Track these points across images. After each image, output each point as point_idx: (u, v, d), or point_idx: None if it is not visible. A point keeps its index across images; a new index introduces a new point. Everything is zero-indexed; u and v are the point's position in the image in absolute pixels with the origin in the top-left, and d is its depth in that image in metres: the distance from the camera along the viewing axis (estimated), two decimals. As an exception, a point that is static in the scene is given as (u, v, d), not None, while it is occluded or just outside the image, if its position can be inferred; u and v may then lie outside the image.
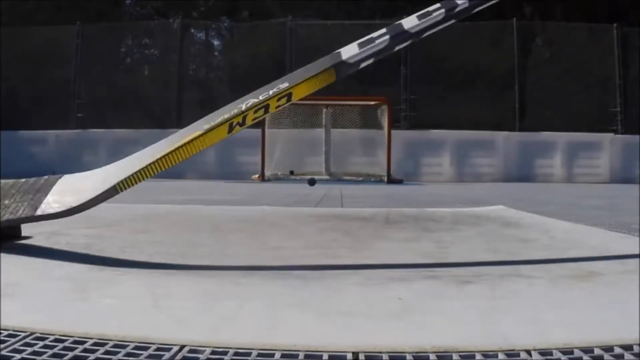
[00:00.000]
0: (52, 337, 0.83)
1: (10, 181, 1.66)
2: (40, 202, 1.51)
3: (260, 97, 1.52)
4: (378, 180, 10.13)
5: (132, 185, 1.50)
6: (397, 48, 1.68)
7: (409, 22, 1.68)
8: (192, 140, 1.53)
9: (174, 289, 1.17)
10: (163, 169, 1.52)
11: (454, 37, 11.92)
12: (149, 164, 1.51)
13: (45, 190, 1.55)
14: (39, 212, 1.50)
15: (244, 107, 1.49)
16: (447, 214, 3.08)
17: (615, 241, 2.00)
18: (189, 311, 1.00)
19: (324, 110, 10.84)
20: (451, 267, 1.44)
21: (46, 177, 1.64)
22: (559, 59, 12.45)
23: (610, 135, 11.93)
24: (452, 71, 12.15)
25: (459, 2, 1.69)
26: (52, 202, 1.50)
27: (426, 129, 11.79)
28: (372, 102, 10.95)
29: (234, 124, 1.48)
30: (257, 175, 10.22)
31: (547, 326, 0.91)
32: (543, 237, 2.14)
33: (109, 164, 1.69)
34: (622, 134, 11.99)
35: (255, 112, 1.50)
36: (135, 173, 1.50)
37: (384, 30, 1.66)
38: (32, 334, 0.85)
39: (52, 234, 1.94)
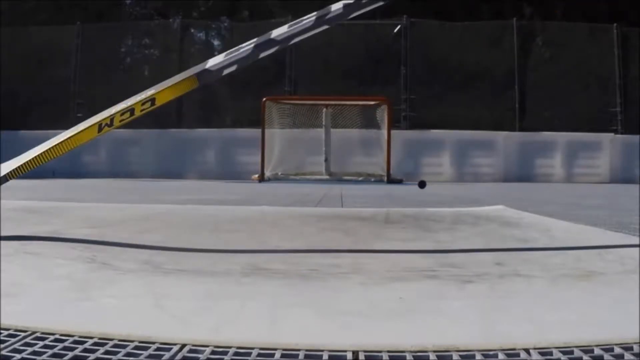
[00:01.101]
0: (52, 337, 0.83)
1: None
2: None
3: (128, 103, 1.77)
4: (378, 180, 10.13)
5: (16, 176, 1.80)
6: (262, 55, 1.84)
7: (277, 31, 1.84)
8: (68, 138, 1.80)
9: (174, 288, 1.18)
10: (41, 163, 1.83)
11: (454, 37, 11.93)
12: (30, 159, 1.81)
13: None
14: None
15: (113, 110, 1.78)
16: (447, 213, 3.08)
17: (615, 241, 2.00)
18: (190, 311, 1.00)
19: (324, 110, 10.84)
20: (451, 267, 1.44)
21: None
22: (559, 59, 12.45)
23: (610, 135, 11.93)
24: (452, 71, 12.14)
25: (332, 8, 1.77)
26: None
27: (426, 129, 11.79)
28: (372, 102, 10.95)
29: (103, 124, 1.78)
30: (257, 175, 10.22)
31: (547, 326, 0.91)
32: (543, 237, 2.14)
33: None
34: (622, 134, 11.98)
35: (122, 114, 1.77)
36: (18, 167, 1.80)
37: (253, 40, 1.83)
38: (32, 333, 0.85)
39: (53, 234, 1.94)
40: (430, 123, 11.77)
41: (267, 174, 10.30)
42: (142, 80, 13.90)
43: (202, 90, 13.30)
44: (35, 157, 1.81)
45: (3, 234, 1.84)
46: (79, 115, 12.52)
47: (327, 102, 10.70)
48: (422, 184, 7.02)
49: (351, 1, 1.77)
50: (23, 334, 0.85)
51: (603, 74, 12.25)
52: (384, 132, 10.52)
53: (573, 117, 11.76)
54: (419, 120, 12.00)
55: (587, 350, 0.80)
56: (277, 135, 10.80)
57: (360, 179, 10.38)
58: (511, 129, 12.06)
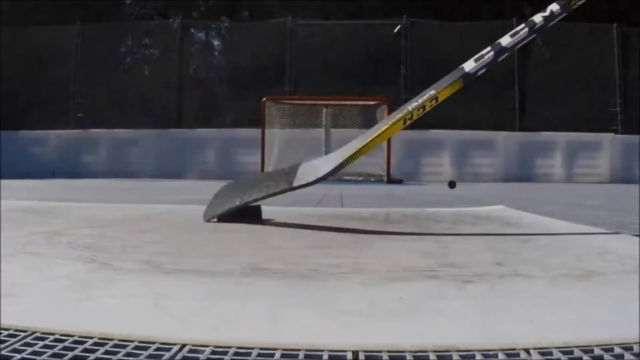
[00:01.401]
0: (52, 337, 0.83)
1: (267, 172, 2.22)
2: (293, 179, 2.31)
3: (419, 101, 2.26)
4: (378, 180, 10.13)
5: (351, 161, 2.31)
6: (499, 59, 2.25)
7: (505, 41, 2.27)
8: (383, 131, 2.24)
9: (175, 288, 1.18)
10: (366, 152, 2.28)
11: (454, 37, 11.93)
12: (358, 149, 2.27)
13: (294, 171, 2.35)
14: (295, 184, 2.28)
15: (410, 108, 2.25)
16: (447, 213, 3.08)
17: (615, 241, 2.00)
18: (190, 311, 1.00)
19: (324, 110, 10.85)
20: (451, 267, 1.44)
21: (288, 166, 2.43)
22: (559, 59, 12.46)
23: (610, 135, 11.93)
24: (452, 71, 12.14)
25: (536, 20, 2.30)
26: (299, 179, 2.29)
27: (426, 129, 11.79)
28: (372, 102, 10.95)
29: (406, 119, 2.24)
30: (257, 176, 10.22)
31: (547, 326, 0.91)
32: (543, 237, 2.14)
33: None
34: (622, 134, 11.99)
35: (418, 110, 2.26)
36: (353, 154, 2.28)
37: (489, 48, 2.26)
38: (32, 333, 0.85)
39: (53, 234, 1.95)
40: (430, 123, 11.76)
41: (267, 174, 10.29)
42: (142, 80, 13.91)
43: (202, 90, 13.32)
44: (359, 149, 2.27)
45: (3, 234, 1.84)
46: (79, 115, 12.53)
47: (327, 102, 10.70)
48: (452, 184, 6.92)
49: (547, 14, 2.30)
50: (23, 334, 0.84)
51: (603, 74, 12.25)
52: (384, 132, 10.51)
53: (573, 117, 11.76)
54: (418, 120, 11.98)
55: (587, 350, 0.80)
56: (277, 135, 10.80)
57: (360, 179, 10.39)
58: (511, 129, 12.07)
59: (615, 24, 12.19)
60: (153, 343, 0.81)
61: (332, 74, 12.23)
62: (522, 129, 12.11)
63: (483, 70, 2.25)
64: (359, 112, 11.03)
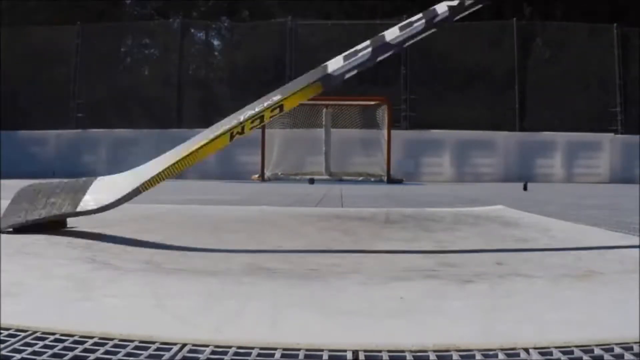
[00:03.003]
0: (52, 337, 0.83)
1: (55, 181, 1.98)
2: (80, 200, 1.82)
3: (256, 109, 1.75)
4: (378, 180, 10.14)
5: (152, 186, 1.81)
6: (379, 59, 1.83)
7: (391, 34, 1.84)
8: (200, 147, 1.80)
9: (175, 288, 1.18)
10: (177, 172, 1.84)
11: (454, 37, 11.92)
12: (165, 169, 1.81)
13: (83, 190, 1.85)
14: (79, 209, 1.81)
15: (242, 118, 1.74)
16: (447, 213, 3.08)
17: (615, 241, 2.00)
18: (191, 310, 1.00)
19: (324, 110, 10.85)
20: (451, 266, 1.44)
21: (84, 179, 1.93)
22: (559, 59, 12.46)
23: (610, 135, 11.93)
24: (452, 71, 12.15)
25: (438, 11, 1.83)
26: (89, 201, 1.81)
27: (426, 129, 11.79)
28: (372, 102, 10.95)
29: (234, 132, 1.75)
30: (257, 175, 10.22)
31: (547, 325, 0.91)
32: (543, 237, 2.14)
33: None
34: (622, 134, 11.99)
35: (252, 122, 1.74)
36: (154, 177, 1.80)
37: (367, 42, 1.83)
38: (33, 333, 0.85)
39: (53, 234, 1.94)
40: (430, 123, 11.77)
41: (267, 174, 10.30)
42: (142, 80, 13.91)
43: (202, 90, 13.32)
44: (166, 169, 1.81)
45: (3, 234, 1.84)
46: (79, 115, 12.53)
47: (327, 102, 10.70)
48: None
49: (455, 3, 1.85)
50: (23, 334, 0.85)
51: (603, 74, 12.25)
52: (384, 132, 10.53)
53: (573, 117, 11.76)
54: (419, 120, 12.00)
55: (587, 350, 0.80)
56: (277, 136, 10.80)
57: (360, 179, 10.39)
58: (511, 129, 12.07)
59: (615, 24, 12.18)
60: (153, 343, 0.81)
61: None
62: (522, 129, 12.11)
63: (353, 72, 1.81)
64: (359, 112, 11.04)
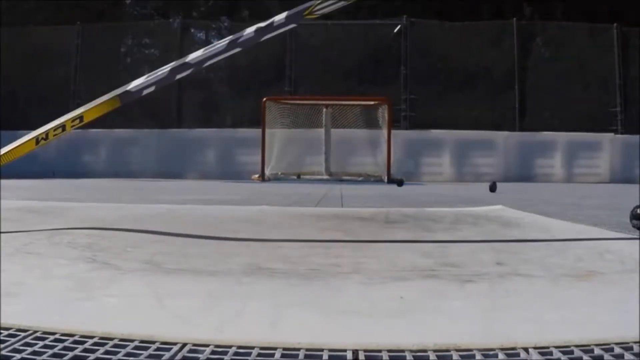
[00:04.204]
0: (52, 337, 0.83)
1: None
2: None
3: (61, 120, 2.04)
4: (378, 180, 10.14)
5: None
6: (177, 77, 2.09)
7: (193, 55, 2.06)
8: (8, 151, 2.08)
9: (175, 288, 1.18)
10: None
11: (454, 37, 11.93)
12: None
13: None
14: None
15: (47, 127, 2.03)
16: (447, 213, 3.08)
17: (615, 241, 2.00)
18: (191, 310, 1.00)
19: (324, 110, 10.85)
20: (451, 266, 1.44)
21: None
22: (559, 59, 12.45)
23: (610, 135, 11.93)
24: (452, 71, 12.14)
25: (245, 32, 2.05)
26: None
27: (426, 129, 11.79)
28: (372, 102, 10.95)
29: (39, 138, 2.03)
30: (257, 175, 10.22)
31: (547, 325, 0.91)
32: (543, 237, 2.14)
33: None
34: (622, 134, 11.98)
35: (55, 130, 2.03)
36: None
37: (169, 65, 2.10)
38: (33, 333, 0.85)
39: (54, 234, 1.95)
40: (430, 123, 11.77)
41: (268, 173, 10.30)
42: (142, 80, 13.89)
43: (202, 90, 13.31)
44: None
45: (3, 234, 1.84)
46: (79, 115, 12.53)
47: (327, 102, 10.70)
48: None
49: (263, 25, 2.05)
50: (23, 334, 0.85)
51: (603, 74, 12.25)
52: (384, 132, 10.53)
53: (573, 117, 11.76)
54: (419, 120, 12.00)
55: (587, 350, 0.80)
56: (277, 135, 10.80)
57: (360, 178, 10.39)
58: (511, 129, 12.06)
59: (615, 24, 12.18)
60: (154, 342, 0.81)
61: (332, 74, 12.23)
62: (522, 129, 12.11)
63: (152, 89, 2.08)
64: (359, 112, 11.03)
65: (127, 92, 2.08)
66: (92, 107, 2.05)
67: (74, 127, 2.04)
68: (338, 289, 1.18)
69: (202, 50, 2.03)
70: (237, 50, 2.05)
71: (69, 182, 8.54)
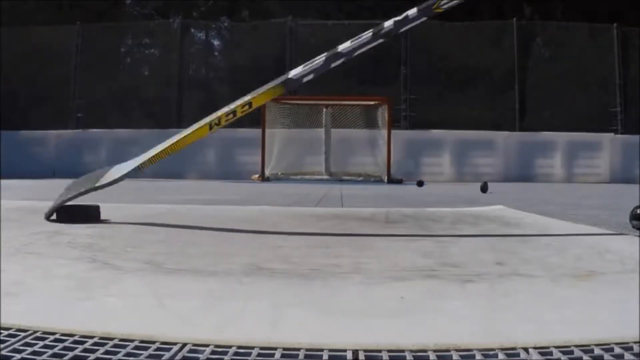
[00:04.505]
0: (52, 337, 0.83)
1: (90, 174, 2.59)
2: (98, 180, 2.43)
3: (232, 106, 2.21)
4: (378, 180, 10.14)
5: (149, 165, 2.30)
6: (332, 65, 2.23)
7: (343, 46, 2.23)
8: (186, 135, 2.28)
9: (175, 288, 1.18)
10: (168, 154, 2.30)
11: (454, 37, 11.93)
12: (159, 152, 2.30)
13: (102, 173, 2.46)
14: (97, 185, 2.38)
15: (219, 113, 2.22)
16: (447, 213, 3.08)
17: (615, 241, 2.00)
18: (191, 310, 1.00)
19: (324, 110, 10.85)
20: (451, 266, 1.44)
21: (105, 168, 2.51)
22: (559, 59, 12.46)
23: (610, 135, 11.93)
24: (452, 71, 12.15)
25: (385, 25, 2.23)
26: (103, 180, 2.41)
27: (426, 129, 11.79)
28: (372, 102, 10.96)
29: (212, 124, 2.22)
30: (257, 175, 10.22)
31: (547, 325, 0.91)
32: (543, 237, 2.14)
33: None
34: (622, 134, 11.99)
35: (227, 116, 2.20)
36: (150, 157, 2.30)
37: (324, 54, 2.24)
38: (33, 333, 0.85)
39: (54, 234, 1.95)
40: (430, 123, 11.77)
41: (268, 174, 10.30)
42: (142, 80, 13.90)
43: (202, 90, 13.32)
44: (157, 153, 2.29)
45: (3, 234, 1.85)
46: (79, 115, 12.53)
47: (327, 102, 10.70)
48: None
49: (399, 18, 2.20)
50: (23, 334, 0.84)
51: (603, 74, 12.25)
52: (384, 132, 10.53)
53: (573, 117, 11.76)
54: (419, 120, 12.01)
55: (587, 350, 0.80)
56: (277, 135, 10.80)
57: (360, 179, 10.39)
58: (511, 129, 12.07)
59: (615, 24, 12.18)
60: (154, 342, 0.81)
61: (332, 74, 12.19)
62: (522, 129, 12.11)
63: (311, 77, 2.23)
64: (360, 112, 11.04)
65: (289, 79, 2.23)
66: (260, 94, 2.21)
67: (244, 113, 2.19)
68: (338, 289, 1.18)
69: (349, 41, 2.20)
70: (380, 41, 2.23)
71: (69, 182, 8.53)
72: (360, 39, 2.20)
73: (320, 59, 2.22)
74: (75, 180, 2.62)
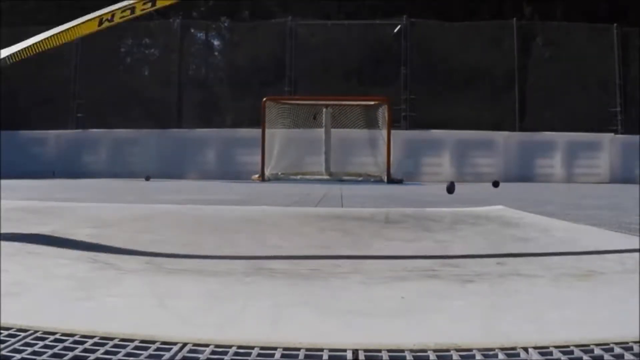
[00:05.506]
0: (52, 337, 0.83)
1: None
2: None
3: (131, 1, 1.83)
4: (378, 180, 10.14)
5: (19, 58, 1.89)
6: None
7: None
8: (72, 27, 1.91)
9: (176, 288, 1.18)
10: (50, 46, 1.90)
11: (454, 37, 11.93)
12: (35, 43, 1.89)
13: None
14: None
15: (114, 8, 1.83)
16: (447, 213, 3.08)
17: (615, 241, 2.00)
18: (192, 310, 1.00)
19: (324, 110, 10.85)
20: (451, 266, 1.44)
21: None
22: (559, 59, 12.45)
23: (610, 135, 11.93)
24: (452, 71, 12.14)
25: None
26: None
27: (426, 129, 11.79)
28: (372, 102, 10.95)
29: (104, 19, 1.85)
30: (257, 176, 10.22)
31: (547, 325, 0.91)
32: (543, 237, 2.14)
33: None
34: (622, 134, 11.98)
35: (123, 12, 1.82)
36: (22, 49, 1.88)
37: None
38: (33, 333, 0.85)
39: (54, 234, 1.95)
40: (430, 123, 11.76)
41: (268, 174, 10.30)
42: (142, 80, 13.90)
43: (202, 90, 13.32)
44: (36, 43, 1.90)
45: (3, 234, 1.85)
46: (79, 115, 12.53)
47: (327, 102, 10.70)
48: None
49: None
50: (23, 334, 0.85)
51: (603, 74, 12.25)
52: (384, 132, 10.52)
53: (573, 117, 11.76)
54: (419, 120, 12.00)
55: (587, 350, 0.80)
56: (277, 135, 10.80)
57: (360, 179, 10.39)
58: (511, 129, 12.06)
59: (615, 24, 12.18)
60: (154, 342, 0.81)
61: (332, 74, 12.23)
62: (522, 129, 12.11)
63: None
64: (360, 112, 11.03)
65: None
66: None
67: (144, 12, 1.85)
68: (338, 288, 1.18)
69: None
70: None
71: (69, 182, 8.53)
72: None
73: None
74: None
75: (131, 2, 1.83)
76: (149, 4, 1.82)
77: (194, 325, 0.90)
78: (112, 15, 1.82)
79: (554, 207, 4.04)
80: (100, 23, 1.83)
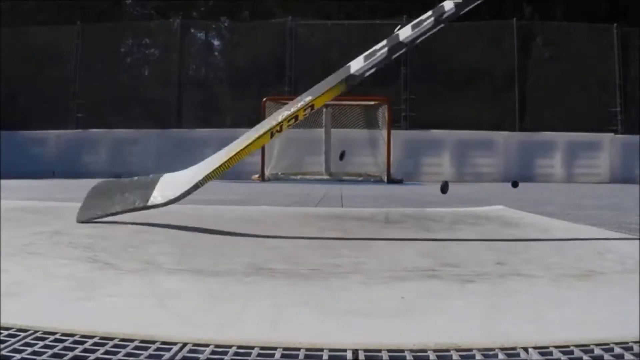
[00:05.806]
0: (52, 337, 0.83)
1: (125, 180, 2.31)
2: (149, 195, 2.11)
3: (292, 110, 2.02)
4: (378, 180, 10.13)
5: (209, 181, 2.10)
6: (393, 57, 2.03)
7: (403, 35, 2.01)
8: (246, 146, 2.03)
9: (176, 288, 1.18)
10: (228, 168, 2.07)
11: (454, 37, 11.92)
12: (220, 165, 2.05)
13: (152, 186, 2.13)
14: (149, 204, 2.10)
15: (280, 118, 2.01)
16: (447, 213, 3.08)
17: (615, 241, 2.00)
18: (192, 310, 1.00)
19: (324, 110, 10.84)
20: (451, 266, 1.44)
21: (152, 176, 2.23)
22: (559, 59, 12.44)
23: (610, 135, 11.92)
24: (452, 71, 12.14)
25: (446, 8, 1.98)
26: (157, 196, 2.11)
27: (426, 129, 11.78)
28: (372, 102, 10.94)
29: (274, 131, 2.03)
30: (257, 175, 10.22)
31: (547, 325, 0.91)
32: (543, 237, 2.14)
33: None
34: (622, 134, 11.98)
35: (288, 121, 2.02)
36: (210, 173, 2.07)
37: (383, 42, 2.02)
38: (33, 333, 0.85)
39: (55, 234, 1.95)
40: (430, 123, 11.76)
41: (268, 174, 10.30)
42: (142, 80, 13.90)
43: (202, 90, 13.32)
44: (219, 167, 2.06)
45: (3, 234, 1.85)
46: (79, 115, 12.53)
47: (327, 102, 10.70)
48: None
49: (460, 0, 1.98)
50: (23, 334, 0.85)
51: (603, 74, 12.24)
52: (384, 132, 10.52)
53: (573, 117, 11.75)
54: (419, 120, 12.00)
55: (587, 350, 0.80)
56: (277, 135, 10.79)
57: (360, 179, 10.39)
58: (511, 129, 12.06)
59: (615, 24, 12.18)
60: (154, 342, 0.81)
61: (332, 74, 12.22)
62: (522, 129, 12.10)
63: (372, 71, 2.01)
64: (360, 112, 11.03)
65: (351, 75, 2.02)
66: (322, 94, 2.05)
67: (305, 116, 2.04)
68: (338, 288, 1.18)
69: (410, 29, 2.00)
70: (442, 26, 2.00)
71: (69, 182, 8.53)
72: (421, 27, 1.97)
73: (382, 51, 1.98)
74: (109, 181, 2.39)
75: (293, 110, 2.01)
76: (309, 109, 2.04)
77: (194, 325, 0.90)
78: (280, 127, 2.01)
79: (554, 207, 4.04)
80: (272, 135, 2.05)
